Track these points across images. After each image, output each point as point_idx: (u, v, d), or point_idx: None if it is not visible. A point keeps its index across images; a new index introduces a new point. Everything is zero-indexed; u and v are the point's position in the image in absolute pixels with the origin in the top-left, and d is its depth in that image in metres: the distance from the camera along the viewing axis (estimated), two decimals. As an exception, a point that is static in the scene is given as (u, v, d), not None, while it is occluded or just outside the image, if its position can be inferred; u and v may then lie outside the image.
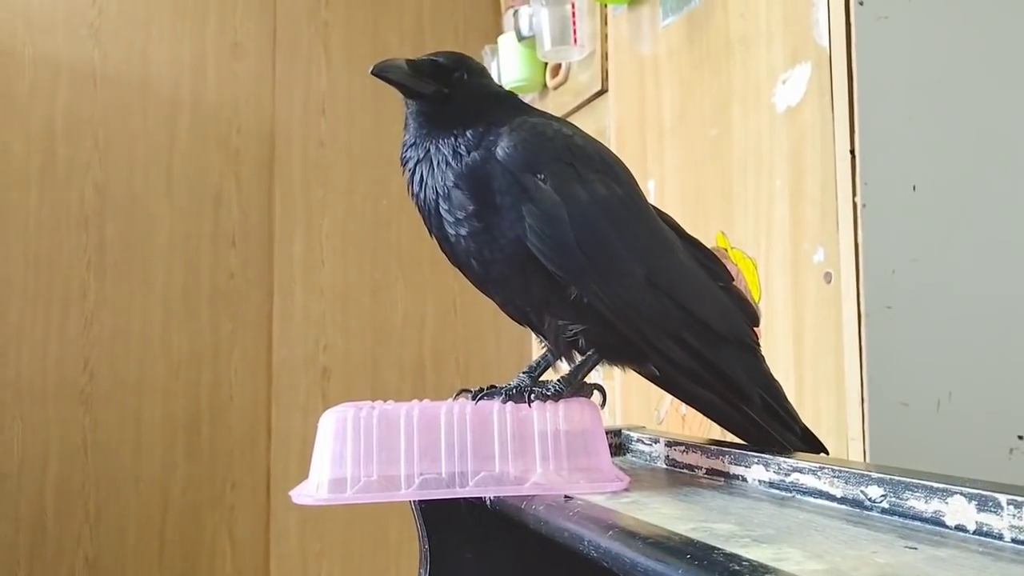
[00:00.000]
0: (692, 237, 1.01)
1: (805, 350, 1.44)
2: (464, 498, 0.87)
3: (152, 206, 2.66)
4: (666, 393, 1.08)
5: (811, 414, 1.38)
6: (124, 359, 2.58)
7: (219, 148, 2.73)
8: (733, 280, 1.02)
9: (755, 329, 1.00)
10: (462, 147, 0.89)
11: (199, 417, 2.64)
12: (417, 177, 0.92)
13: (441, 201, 0.89)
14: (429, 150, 0.91)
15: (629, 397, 1.93)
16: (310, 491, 0.82)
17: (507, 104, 0.97)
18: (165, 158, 2.68)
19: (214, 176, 2.72)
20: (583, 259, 0.86)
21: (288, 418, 2.70)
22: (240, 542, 2.65)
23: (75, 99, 2.61)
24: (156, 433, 2.60)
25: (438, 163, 0.90)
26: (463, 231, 0.88)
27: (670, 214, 1.02)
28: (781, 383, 0.97)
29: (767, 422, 0.93)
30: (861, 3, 1.36)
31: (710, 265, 0.99)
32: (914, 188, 1.35)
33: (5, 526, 2.44)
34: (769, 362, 0.98)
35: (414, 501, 0.97)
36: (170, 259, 2.66)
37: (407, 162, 0.94)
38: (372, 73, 0.91)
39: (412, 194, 0.94)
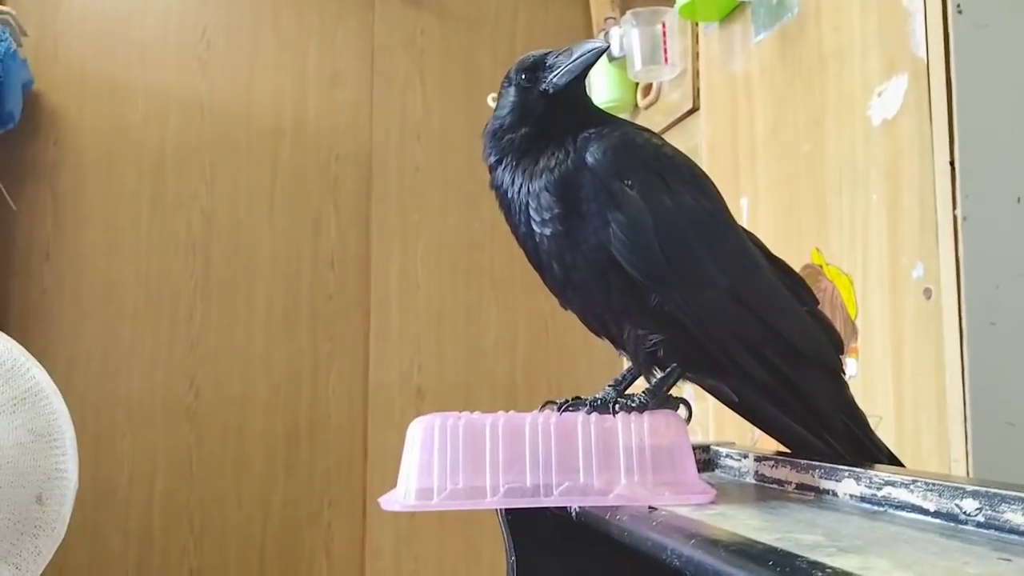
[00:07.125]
0: (779, 259, 0.99)
1: (904, 368, 1.39)
2: (550, 509, 0.87)
3: (255, 231, 2.76)
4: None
5: (911, 434, 1.33)
6: (227, 377, 2.68)
7: (319, 174, 2.82)
8: (819, 305, 1.00)
9: (841, 356, 0.97)
10: (562, 151, 0.89)
11: (298, 435, 2.71)
12: (520, 170, 0.92)
13: (531, 199, 0.90)
14: (548, 146, 0.91)
15: (723, 420, 1.89)
16: (398, 498, 0.84)
17: (599, 112, 0.98)
18: (267, 184, 2.79)
19: (314, 201, 2.81)
20: (666, 266, 0.85)
21: (384, 437, 2.75)
22: (337, 559, 2.70)
23: (184, 129, 2.74)
24: (257, 449, 2.68)
25: (542, 160, 0.90)
26: (547, 231, 0.89)
27: (764, 231, 1.02)
28: (880, 402, 0.95)
29: (848, 451, 0.91)
30: (960, 11, 1.32)
31: (796, 288, 0.97)
32: (1019, 200, 1.30)
33: (117, 537, 2.55)
34: (867, 381, 0.96)
35: (501, 512, 0.98)
36: (272, 281, 2.75)
37: (515, 151, 0.93)
38: (600, 41, 0.93)
39: (502, 183, 0.94)
